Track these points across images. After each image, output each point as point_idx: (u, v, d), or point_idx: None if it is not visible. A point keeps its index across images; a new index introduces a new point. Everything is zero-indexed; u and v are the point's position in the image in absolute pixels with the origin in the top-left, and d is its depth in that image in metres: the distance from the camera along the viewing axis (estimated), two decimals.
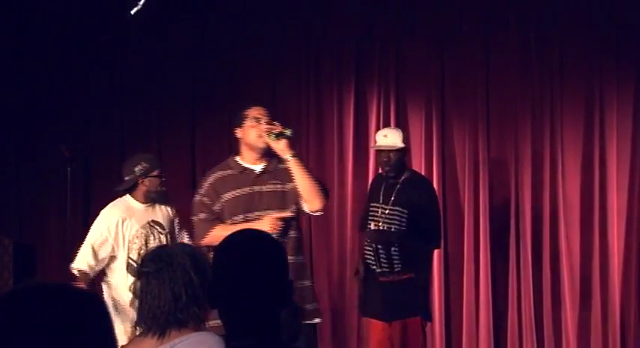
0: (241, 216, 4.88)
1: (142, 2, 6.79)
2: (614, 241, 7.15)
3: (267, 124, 4.89)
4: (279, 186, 4.92)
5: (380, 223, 5.77)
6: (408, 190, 5.82)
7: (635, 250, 7.15)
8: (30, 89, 7.81)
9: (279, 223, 4.82)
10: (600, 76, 7.28)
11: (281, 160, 4.92)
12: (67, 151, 6.59)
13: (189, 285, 2.81)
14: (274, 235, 4.77)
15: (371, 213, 5.84)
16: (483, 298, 7.26)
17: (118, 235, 5.55)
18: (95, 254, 5.58)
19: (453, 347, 7.38)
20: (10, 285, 6.90)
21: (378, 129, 7.45)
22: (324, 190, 4.95)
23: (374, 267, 5.74)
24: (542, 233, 7.25)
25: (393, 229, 5.72)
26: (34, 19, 7.77)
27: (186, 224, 7.53)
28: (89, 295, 1.57)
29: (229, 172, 4.97)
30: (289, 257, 4.78)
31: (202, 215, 4.95)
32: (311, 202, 4.87)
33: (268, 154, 4.94)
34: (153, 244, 5.49)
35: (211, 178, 5.00)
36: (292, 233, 4.90)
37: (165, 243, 5.46)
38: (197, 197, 5.02)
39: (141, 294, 2.86)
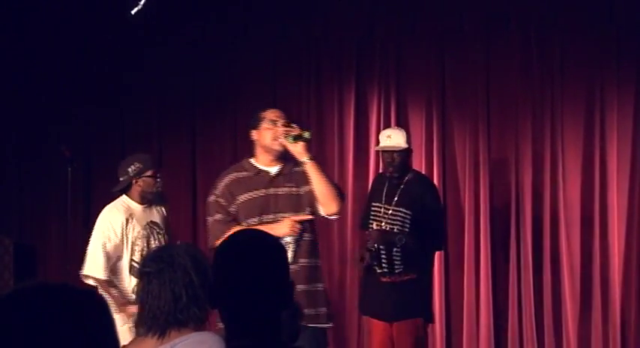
0: (256, 218, 4.85)
1: (142, 2, 6.79)
2: (615, 241, 7.15)
3: (285, 126, 4.86)
4: (294, 189, 4.89)
5: (383, 223, 5.74)
6: (412, 191, 5.77)
7: (635, 250, 7.15)
8: (30, 89, 7.82)
9: (299, 226, 4.80)
10: (601, 76, 7.27)
11: (296, 163, 4.89)
12: (68, 151, 6.60)
13: (189, 285, 2.81)
14: (292, 238, 4.77)
15: (373, 213, 5.79)
16: (484, 298, 7.26)
17: (123, 237, 5.53)
18: (108, 257, 5.50)
19: (453, 347, 7.38)
20: (11, 285, 6.90)
21: (378, 129, 7.45)
22: (341, 194, 4.92)
23: (375, 267, 5.72)
24: (543, 233, 7.25)
25: (395, 230, 5.68)
26: (34, 19, 7.77)
27: (187, 224, 7.50)
28: (90, 294, 1.57)
29: (244, 174, 4.94)
30: (303, 260, 4.83)
31: (218, 216, 4.91)
32: (327, 206, 4.84)
33: (283, 156, 4.91)
34: (154, 245, 5.48)
35: (226, 180, 4.96)
36: (307, 236, 4.88)
37: (164, 243, 5.45)
38: (212, 198, 4.98)
39: (141, 294, 2.87)
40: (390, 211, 5.73)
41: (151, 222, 5.66)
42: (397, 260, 5.65)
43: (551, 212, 7.25)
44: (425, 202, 5.76)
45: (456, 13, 7.44)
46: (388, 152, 5.81)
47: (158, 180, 5.65)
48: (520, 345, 7.21)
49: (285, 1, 7.67)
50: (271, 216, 4.85)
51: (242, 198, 4.89)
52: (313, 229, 4.99)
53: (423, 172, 7.02)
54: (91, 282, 5.53)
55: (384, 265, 5.66)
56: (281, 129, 4.86)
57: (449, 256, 7.30)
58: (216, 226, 4.90)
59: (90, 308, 1.54)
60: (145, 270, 2.87)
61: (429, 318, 5.90)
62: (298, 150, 4.82)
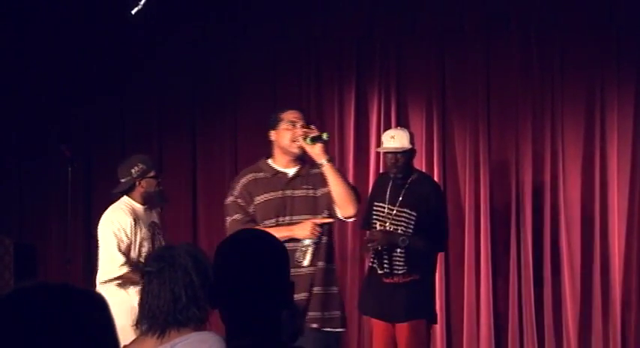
0: (273, 220, 4.82)
1: (142, 2, 6.79)
2: (615, 241, 7.15)
3: (303, 127, 4.84)
4: (311, 191, 4.86)
5: (387, 224, 5.70)
6: (416, 192, 5.71)
7: (635, 250, 7.15)
8: (30, 89, 7.82)
9: (319, 229, 4.77)
10: (601, 76, 7.28)
11: (314, 165, 4.85)
12: (68, 150, 6.60)
13: (189, 286, 2.81)
14: (311, 241, 4.75)
15: (375, 213, 5.75)
16: (484, 298, 7.26)
17: (132, 238, 5.50)
18: (127, 256, 5.43)
19: (453, 347, 7.38)
20: (11, 285, 6.90)
21: (378, 129, 7.45)
22: (358, 196, 4.89)
23: (377, 267, 5.69)
24: (543, 233, 7.25)
25: (399, 231, 5.65)
26: (34, 18, 7.78)
27: (187, 224, 7.51)
28: (90, 294, 1.57)
29: (262, 174, 4.91)
30: (321, 263, 4.82)
31: (237, 216, 4.87)
32: (344, 208, 4.81)
33: (301, 158, 4.88)
34: (157, 246, 5.47)
35: (244, 180, 4.92)
36: (325, 239, 4.86)
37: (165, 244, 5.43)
38: (230, 198, 4.93)
39: (142, 293, 2.88)
40: (395, 212, 5.69)
41: (152, 222, 5.66)
42: (400, 261, 5.62)
43: (551, 212, 7.25)
44: (429, 203, 5.72)
45: (456, 13, 7.44)
46: (392, 153, 5.75)
47: (160, 180, 5.65)
48: (520, 345, 7.21)
49: (285, 1, 7.67)
50: (287, 218, 4.82)
51: (259, 199, 4.85)
52: (330, 232, 4.97)
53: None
54: (111, 284, 5.46)
55: (386, 265, 5.63)
56: (300, 130, 4.84)
57: (449, 256, 7.29)
58: (235, 226, 4.82)
59: (90, 308, 1.54)
60: (146, 269, 2.88)
61: (432, 319, 5.86)
62: (316, 152, 4.78)
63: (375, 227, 5.70)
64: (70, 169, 6.57)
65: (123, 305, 5.13)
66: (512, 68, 7.39)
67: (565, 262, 7.19)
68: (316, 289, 4.79)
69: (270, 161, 4.95)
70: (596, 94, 7.28)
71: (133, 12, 6.86)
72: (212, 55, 7.78)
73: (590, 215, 7.22)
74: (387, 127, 7.14)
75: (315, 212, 4.84)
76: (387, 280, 5.64)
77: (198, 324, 2.83)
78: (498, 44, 7.46)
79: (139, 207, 5.58)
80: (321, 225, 4.80)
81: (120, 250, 5.43)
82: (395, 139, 5.71)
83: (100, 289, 5.47)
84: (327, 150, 4.87)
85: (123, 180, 5.60)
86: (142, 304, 2.86)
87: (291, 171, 4.90)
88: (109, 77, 7.77)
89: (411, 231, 5.63)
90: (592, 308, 7.16)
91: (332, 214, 4.85)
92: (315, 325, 4.79)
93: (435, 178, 7.19)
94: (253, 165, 5.06)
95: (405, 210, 5.66)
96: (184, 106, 7.84)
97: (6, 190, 7.84)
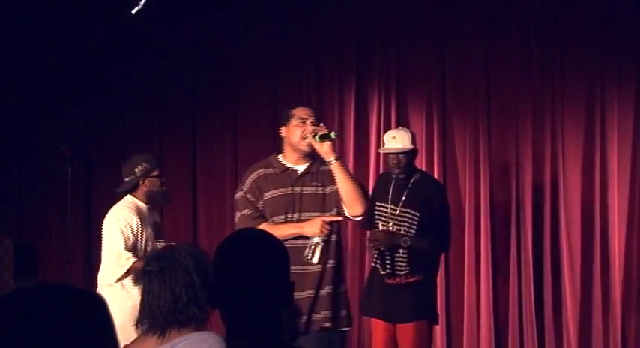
0: (282, 216, 4.81)
1: (142, 2, 6.79)
2: (615, 241, 7.15)
3: (313, 125, 4.83)
4: (320, 189, 4.85)
5: (390, 224, 5.67)
6: (419, 192, 5.66)
7: (636, 250, 7.15)
8: (30, 89, 7.82)
9: (328, 227, 4.75)
10: (601, 76, 7.28)
11: (324, 162, 4.84)
12: (68, 150, 6.60)
13: (190, 286, 2.81)
14: (320, 238, 4.74)
15: (377, 213, 5.70)
16: (484, 298, 7.26)
17: (138, 237, 5.50)
18: (134, 253, 5.43)
19: (453, 347, 7.38)
20: (11, 285, 6.90)
21: (378, 130, 7.46)
22: (366, 195, 4.88)
23: (379, 267, 5.68)
24: (543, 233, 7.25)
25: (402, 231, 5.63)
26: (34, 18, 7.78)
27: (187, 224, 7.52)
28: (90, 294, 1.57)
29: (272, 170, 4.89)
30: (332, 261, 4.81)
31: (246, 211, 4.85)
32: (352, 207, 4.80)
33: (311, 155, 4.86)
34: (159, 245, 5.46)
35: (254, 175, 4.90)
36: (335, 237, 4.84)
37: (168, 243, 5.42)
38: (240, 193, 4.91)
39: (142, 292, 2.88)
40: (398, 212, 5.66)
41: (155, 222, 5.67)
42: (403, 262, 5.60)
43: (551, 212, 7.25)
44: (432, 203, 5.70)
45: (456, 13, 7.45)
46: (394, 154, 5.71)
47: (163, 180, 5.66)
48: (520, 345, 7.21)
49: (285, 1, 7.67)
50: (296, 215, 4.81)
51: (268, 195, 4.84)
52: (339, 230, 4.96)
53: None
54: (115, 284, 5.46)
55: (388, 266, 5.61)
56: (309, 128, 4.83)
57: (449, 256, 7.29)
58: (244, 221, 4.83)
59: (90, 308, 1.54)
60: (147, 268, 2.88)
61: (435, 320, 5.85)
62: (325, 150, 4.77)
63: (378, 227, 5.68)
64: (70, 169, 6.56)
65: (124, 305, 5.13)
66: (512, 68, 7.39)
67: (565, 262, 7.19)
68: (327, 288, 4.78)
69: (280, 157, 4.94)
70: (596, 94, 7.28)
71: (133, 12, 6.86)
72: (212, 55, 7.78)
73: (590, 215, 7.22)
74: (387, 127, 7.14)
75: (323, 210, 4.83)
76: (390, 281, 5.62)
77: (199, 324, 2.83)
78: (498, 44, 7.46)
79: (143, 206, 5.58)
80: (331, 223, 4.79)
81: (127, 247, 5.42)
82: (397, 140, 5.68)
83: (103, 288, 5.48)
84: (342, 147, 4.85)
85: (127, 179, 5.61)
86: (142, 304, 2.87)
87: (301, 168, 4.88)
88: (109, 77, 7.77)
89: (414, 231, 5.60)
90: (592, 308, 7.16)
91: (340, 213, 4.84)
92: (327, 324, 4.78)
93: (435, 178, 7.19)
94: (264, 160, 5.05)
95: (408, 210, 5.63)
96: (184, 106, 7.84)
97: (6, 190, 7.84)
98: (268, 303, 2.24)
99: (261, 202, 4.85)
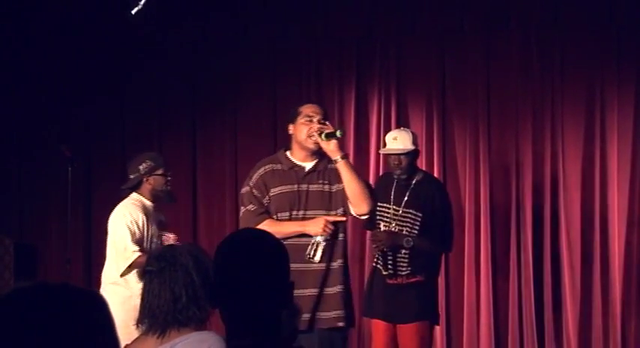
0: (287, 213, 4.79)
1: (142, 2, 6.79)
2: (615, 240, 7.15)
3: (320, 123, 4.81)
4: (326, 186, 4.83)
5: (393, 224, 5.66)
6: (421, 192, 5.66)
7: (636, 250, 7.15)
8: (30, 89, 7.82)
9: (331, 227, 4.73)
10: (601, 76, 7.28)
11: (332, 160, 4.82)
12: (68, 150, 6.60)
13: (190, 285, 2.81)
14: (322, 238, 4.73)
15: (379, 213, 5.67)
16: (484, 298, 7.26)
17: (143, 234, 5.50)
18: (140, 245, 5.43)
19: (453, 347, 7.38)
20: (11, 285, 6.90)
21: (378, 130, 7.46)
22: (372, 194, 4.86)
23: (381, 268, 5.67)
24: (543, 233, 7.25)
25: (404, 232, 5.62)
26: (34, 18, 7.77)
27: (187, 224, 7.49)
28: (90, 294, 1.57)
29: (279, 166, 4.87)
30: (340, 260, 4.80)
31: (251, 207, 4.83)
32: (358, 206, 4.77)
33: (319, 152, 4.84)
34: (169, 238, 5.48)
35: (261, 171, 4.88)
36: (342, 236, 4.83)
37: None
38: (246, 188, 4.89)
39: (143, 292, 2.88)
40: (400, 212, 5.65)
41: (160, 221, 5.67)
42: (404, 262, 5.59)
43: (551, 212, 7.25)
44: (435, 203, 5.69)
45: (456, 13, 7.45)
46: (395, 155, 5.69)
47: (168, 179, 5.66)
48: (520, 345, 7.21)
49: (285, 1, 7.67)
50: (301, 212, 4.79)
51: (274, 191, 4.82)
52: (345, 229, 4.94)
53: None
54: (117, 283, 5.45)
55: (390, 266, 5.60)
56: (315, 126, 4.81)
57: (449, 255, 7.29)
58: (248, 217, 4.82)
59: (90, 308, 1.54)
60: (147, 268, 2.89)
61: (436, 320, 5.84)
62: (331, 148, 4.75)
63: (380, 228, 5.66)
64: (70, 169, 6.57)
65: (127, 304, 5.12)
66: (512, 68, 7.39)
67: (565, 262, 7.19)
68: (339, 288, 4.77)
69: (288, 153, 4.92)
70: (596, 94, 7.28)
71: (133, 12, 6.86)
72: (212, 55, 7.78)
73: (590, 215, 7.22)
74: (387, 127, 7.15)
75: (329, 208, 4.81)
76: (391, 281, 5.61)
77: (199, 324, 2.83)
78: (498, 44, 7.46)
79: (149, 204, 5.59)
80: (335, 223, 4.77)
81: (133, 242, 5.42)
82: (398, 140, 5.66)
83: (106, 286, 5.48)
84: (342, 147, 4.84)
85: (131, 176, 5.62)
86: (142, 304, 2.87)
87: (309, 165, 4.86)
88: (109, 77, 7.77)
89: (416, 232, 5.59)
90: (592, 308, 7.15)
91: (346, 211, 4.82)
92: (340, 324, 4.78)
93: None
94: (272, 156, 5.06)
95: (411, 211, 5.62)
96: (184, 105, 7.83)
97: (6, 190, 7.84)
98: (268, 303, 2.24)
99: (266, 198, 4.83)
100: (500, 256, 7.33)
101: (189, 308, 2.80)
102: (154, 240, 5.52)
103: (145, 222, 5.49)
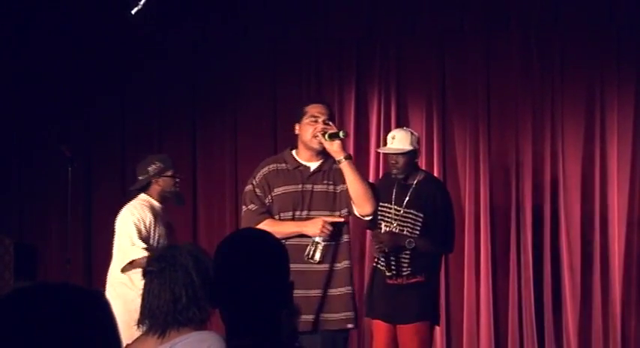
0: (290, 213, 4.78)
1: (142, 2, 6.79)
2: (615, 241, 7.15)
3: (324, 123, 4.80)
4: (331, 187, 4.81)
5: (394, 225, 5.65)
6: (422, 193, 5.65)
7: (636, 250, 7.15)
8: (30, 89, 7.82)
9: (329, 227, 4.71)
10: (601, 76, 7.28)
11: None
12: (68, 150, 6.61)
13: (189, 286, 2.81)
14: (321, 238, 4.72)
15: (381, 213, 5.60)
16: (484, 298, 7.26)
17: (150, 234, 5.50)
18: (146, 244, 5.43)
19: (453, 347, 7.38)
20: (12, 285, 6.90)
21: (378, 130, 7.46)
22: (376, 194, 4.84)
23: (383, 268, 5.66)
24: (543, 233, 7.25)
25: (405, 232, 5.61)
26: (34, 19, 7.78)
27: (187, 224, 7.49)
28: (91, 293, 1.57)
29: (283, 166, 4.85)
30: (345, 262, 4.79)
31: (252, 206, 4.81)
32: (361, 207, 4.75)
33: (324, 152, 4.82)
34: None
35: (265, 170, 4.87)
36: (345, 237, 4.82)
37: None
38: (249, 187, 4.88)
39: (143, 292, 2.88)
40: (402, 212, 5.64)
41: (168, 223, 5.68)
42: (405, 263, 5.59)
43: (551, 212, 7.25)
44: (436, 203, 5.67)
45: (456, 13, 7.45)
46: (392, 154, 5.68)
47: (177, 180, 5.67)
48: (520, 345, 7.21)
49: (285, 1, 7.67)
50: (305, 212, 4.78)
51: (277, 191, 4.81)
52: (349, 230, 4.93)
53: None
54: (119, 283, 5.45)
55: (393, 267, 5.59)
56: (320, 126, 4.79)
57: (449, 256, 7.29)
58: (249, 216, 4.80)
59: (90, 308, 1.53)
60: (148, 268, 2.89)
61: (436, 320, 5.83)
62: (334, 149, 4.73)
63: (381, 228, 5.65)
64: (70, 169, 6.57)
65: (131, 304, 5.11)
66: (512, 68, 7.39)
67: (565, 262, 7.19)
68: (347, 289, 4.77)
69: (294, 153, 4.90)
70: (596, 94, 7.28)
71: (133, 12, 6.86)
72: (212, 55, 7.78)
73: (590, 215, 7.22)
74: (387, 127, 7.15)
75: (333, 208, 4.80)
76: (392, 282, 5.60)
77: (199, 324, 2.83)
78: (498, 44, 7.46)
79: (157, 205, 5.61)
80: (334, 224, 4.75)
81: (141, 236, 5.43)
82: (396, 140, 5.65)
83: (112, 285, 5.48)
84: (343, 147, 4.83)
85: (140, 177, 5.64)
86: (142, 304, 2.87)
87: (314, 165, 4.85)
88: (109, 77, 7.78)
89: (417, 232, 5.58)
90: (592, 308, 7.16)
91: (350, 212, 4.82)
92: (350, 326, 4.78)
93: None
94: (277, 155, 5.05)
95: (412, 211, 5.61)
96: (184, 105, 7.84)
97: (6, 190, 7.84)
98: (268, 303, 2.24)
99: (269, 198, 4.81)
100: (500, 256, 7.33)
101: (189, 309, 2.80)
102: (161, 241, 5.52)
103: (153, 222, 5.50)
